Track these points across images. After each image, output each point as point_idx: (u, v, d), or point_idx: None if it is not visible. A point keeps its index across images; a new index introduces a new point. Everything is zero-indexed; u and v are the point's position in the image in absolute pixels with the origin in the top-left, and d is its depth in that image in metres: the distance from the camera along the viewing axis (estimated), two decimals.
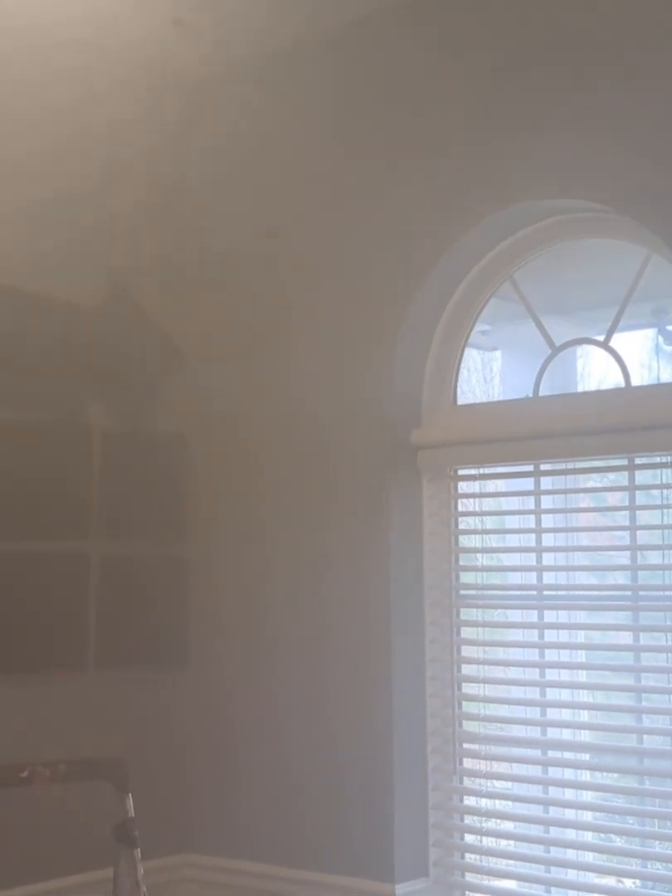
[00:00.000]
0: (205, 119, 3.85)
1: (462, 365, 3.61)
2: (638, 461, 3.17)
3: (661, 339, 3.49)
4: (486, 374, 3.97)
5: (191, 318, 3.85)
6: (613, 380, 3.30)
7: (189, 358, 3.86)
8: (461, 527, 3.52)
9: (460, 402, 3.61)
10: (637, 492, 3.19)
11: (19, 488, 3.41)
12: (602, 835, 3.28)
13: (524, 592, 3.43)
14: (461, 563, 3.49)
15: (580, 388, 3.53)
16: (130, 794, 2.91)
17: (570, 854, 3.27)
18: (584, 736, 3.31)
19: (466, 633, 3.46)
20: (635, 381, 3.27)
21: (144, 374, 3.79)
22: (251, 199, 3.79)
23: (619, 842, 3.22)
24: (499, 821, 3.44)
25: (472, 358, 3.84)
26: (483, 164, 3.29)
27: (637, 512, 3.19)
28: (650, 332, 3.51)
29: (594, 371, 3.52)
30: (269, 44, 3.69)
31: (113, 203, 3.67)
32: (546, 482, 3.39)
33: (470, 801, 3.43)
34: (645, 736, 3.14)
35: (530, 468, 3.37)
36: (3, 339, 3.42)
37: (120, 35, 3.56)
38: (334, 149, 3.62)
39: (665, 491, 3.14)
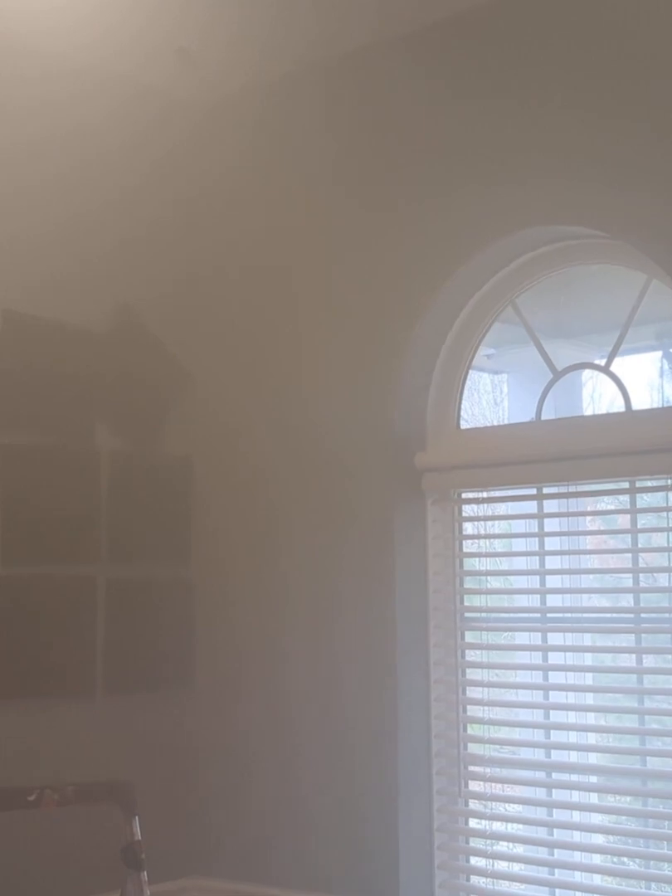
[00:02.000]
0: (210, 146, 3.88)
1: (470, 387, 3.64)
2: (640, 484, 3.18)
3: (665, 362, 3.50)
4: (496, 396, 4.00)
5: (197, 342, 3.88)
6: (622, 403, 3.32)
7: (196, 382, 3.89)
8: (465, 549, 3.54)
9: (468, 424, 3.63)
10: (639, 515, 3.21)
11: (27, 512, 3.44)
12: (609, 857, 3.29)
13: (528, 615, 3.44)
14: (465, 585, 3.51)
15: (589, 412, 3.55)
16: (137, 817, 2.92)
17: (577, 876, 3.26)
18: (590, 758, 3.31)
19: (471, 655, 3.48)
20: (643, 404, 3.29)
21: (152, 398, 3.82)
22: (255, 225, 3.83)
23: (628, 864, 3.22)
24: (505, 843, 3.45)
25: (481, 380, 3.87)
26: (484, 192, 3.31)
27: (639, 534, 3.21)
28: (655, 355, 3.53)
29: (604, 394, 3.54)
30: (271, 73, 3.73)
31: (119, 229, 3.70)
32: (549, 505, 3.40)
33: (475, 823, 3.43)
34: (651, 758, 3.14)
35: (533, 491, 3.38)
36: (12, 364, 3.45)
37: (124, 63, 3.61)
38: (337, 176, 3.65)
39: (668, 514, 3.15)
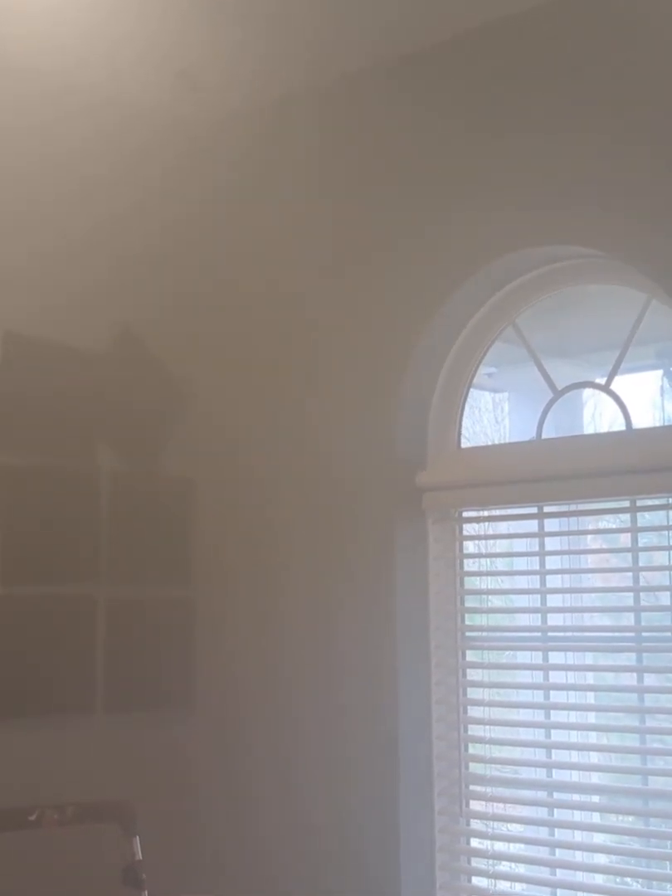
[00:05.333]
0: (209, 166, 3.90)
1: (472, 406, 3.65)
2: (640, 503, 3.19)
3: (666, 380, 3.51)
4: (497, 415, 4.00)
5: (198, 363, 3.89)
6: (622, 422, 3.32)
7: (196, 402, 3.90)
8: (466, 568, 3.53)
9: (470, 442, 3.63)
10: (640, 533, 3.21)
11: (28, 532, 3.45)
12: (610, 877, 3.28)
13: (529, 634, 3.43)
14: (466, 604, 3.51)
15: (591, 431, 3.55)
16: (138, 837, 2.92)
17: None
18: (592, 777, 3.30)
19: (472, 674, 3.47)
20: (643, 423, 3.29)
21: (152, 418, 3.83)
22: (254, 245, 3.84)
23: (630, 884, 3.21)
24: (506, 863, 3.44)
25: (482, 399, 3.87)
26: (482, 213, 3.33)
27: (640, 553, 3.21)
28: (656, 374, 3.53)
29: (605, 413, 3.55)
30: (269, 95, 3.75)
31: (119, 249, 3.72)
32: (550, 524, 3.40)
33: (477, 843, 3.42)
34: (652, 777, 3.13)
35: (534, 510, 3.39)
36: (13, 385, 3.47)
37: (123, 85, 3.63)
38: (336, 196, 3.67)
39: (669, 532, 3.15)
